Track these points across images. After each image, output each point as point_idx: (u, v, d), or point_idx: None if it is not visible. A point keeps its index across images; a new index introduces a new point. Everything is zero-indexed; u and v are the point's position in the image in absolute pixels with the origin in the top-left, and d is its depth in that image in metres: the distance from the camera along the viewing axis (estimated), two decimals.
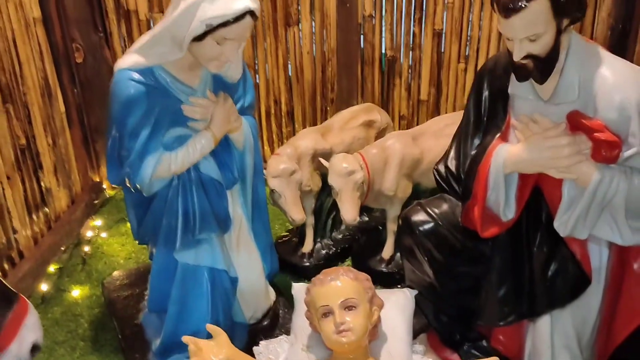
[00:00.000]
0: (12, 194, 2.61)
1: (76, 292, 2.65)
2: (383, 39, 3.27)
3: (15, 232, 2.62)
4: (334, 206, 2.67)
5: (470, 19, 3.14)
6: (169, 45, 1.78)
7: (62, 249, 2.91)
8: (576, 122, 1.71)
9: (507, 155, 1.83)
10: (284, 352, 2.03)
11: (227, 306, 2.18)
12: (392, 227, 2.62)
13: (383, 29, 3.24)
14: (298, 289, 2.13)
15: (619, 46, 2.97)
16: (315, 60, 3.32)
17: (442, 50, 3.24)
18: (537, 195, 1.91)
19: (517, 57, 1.66)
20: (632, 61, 2.91)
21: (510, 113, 1.88)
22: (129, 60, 1.85)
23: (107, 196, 3.38)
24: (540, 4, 1.55)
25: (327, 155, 2.57)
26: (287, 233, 2.92)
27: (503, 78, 1.86)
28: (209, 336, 1.77)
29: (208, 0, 1.64)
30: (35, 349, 1.57)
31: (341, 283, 1.86)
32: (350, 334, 1.80)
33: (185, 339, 1.72)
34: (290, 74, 3.37)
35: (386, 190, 2.50)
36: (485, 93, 1.95)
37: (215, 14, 1.65)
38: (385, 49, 3.29)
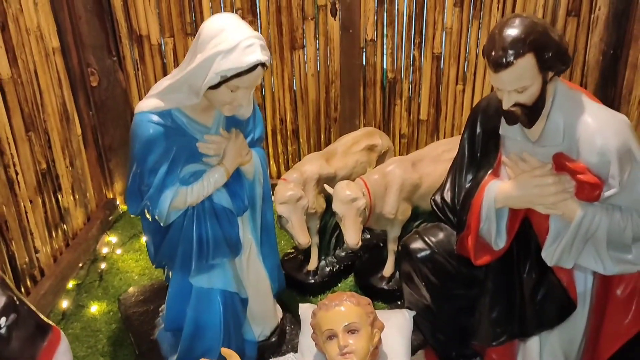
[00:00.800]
0: (34, 215, 2.76)
1: (94, 308, 2.80)
2: (384, 62, 3.41)
3: (37, 251, 2.78)
4: (338, 226, 2.82)
5: (467, 43, 3.28)
6: (185, 92, 1.93)
7: (80, 265, 3.07)
8: (561, 164, 1.86)
9: (498, 191, 1.97)
10: None
11: (238, 325, 2.34)
12: (392, 247, 2.77)
13: (384, 52, 3.39)
14: (304, 309, 2.29)
15: (611, 70, 3.11)
16: (320, 81, 3.47)
17: (441, 73, 3.38)
18: (527, 226, 2.06)
19: (505, 106, 1.81)
20: (622, 84, 3.08)
21: (502, 151, 2.02)
22: (148, 104, 2.00)
23: (121, 212, 3.55)
24: (527, 60, 1.69)
25: (332, 179, 2.72)
26: (293, 250, 3.07)
27: (495, 118, 2.01)
28: (221, 357, 1.92)
29: (223, 54, 1.79)
30: None
31: (345, 308, 2.01)
32: (353, 356, 1.95)
33: None
34: (295, 94, 3.52)
35: (387, 214, 2.65)
36: (479, 130, 2.09)
37: (229, 66, 1.80)
38: (387, 72, 3.44)
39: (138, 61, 3.46)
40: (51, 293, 2.80)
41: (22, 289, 2.68)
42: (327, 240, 2.95)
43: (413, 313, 2.27)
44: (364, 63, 3.44)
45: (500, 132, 1.98)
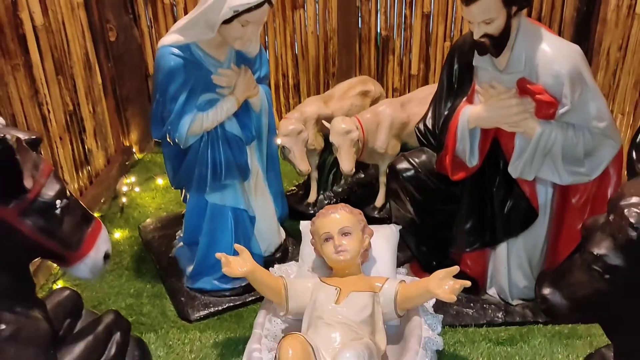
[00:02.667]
0: (63, 152, 3.09)
1: (117, 235, 3.13)
2: (378, 20, 3.72)
3: (66, 183, 3.10)
4: (335, 163, 3.16)
5: (454, 3, 3.59)
6: (202, 27, 2.25)
7: (102, 200, 3.40)
8: (523, 87, 2.19)
9: (471, 114, 2.30)
10: (294, 273, 2.53)
11: (247, 239, 2.67)
12: (383, 180, 3.11)
13: (378, 11, 3.69)
14: (305, 225, 2.62)
15: (584, 25, 3.43)
16: (319, 39, 3.78)
17: (430, 31, 3.69)
18: (496, 147, 2.39)
19: (476, 36, 2.13)
20: (594, 37, 3.39)
21: (475, 81, 2.35)
22: (170, 39, 2.32)
23: (137, 158, 3.88)
24: None
25: (329, 120, 3.04)
26: (295, 187, 3.41)
27: (469, 53, 2.33)
28: (235, 254, 2.26)
29: None
30: (106, 257, 2.06)
31: (339, 215, 2.35)
32: (346, 253, 2.29)
33: (218, 255, 2.22)
34: (296, 51, 3.83)
35: (378, 148, 2.98)
36: (456, 66, 2.41)
37: (241, 2, 2.11)
38: (380, 29, 3.75)
39: (152, 19, 3.77)
40: None
41: None
42: (325, 176, 3.28)
43: (399, 227, 2.60)
44: (359, 21, 3.74)
45: (473, 64, 2.31)
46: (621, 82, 3.17)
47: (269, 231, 2.80)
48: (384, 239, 2.54)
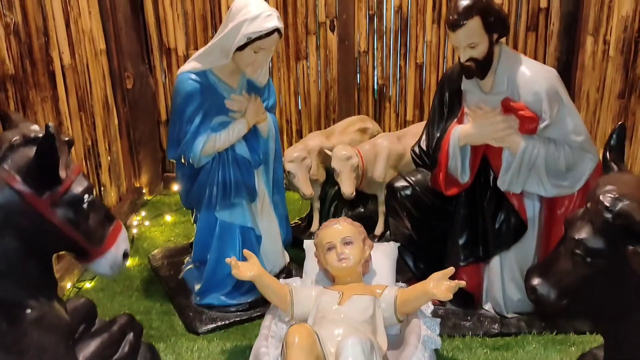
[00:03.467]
0: None
1: (127, 262, 3.26)
2: (375, 70, 4.03)
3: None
4: (336, 196, 3.35)
5: (445, 54, 3.91)
6: (217, 54, 2.51)
7: None
8: (507, 106, 2.42)
9: (461, 132, 2.53)
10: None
11: None
12: (382, 209, 3.28)
13: (375, 62, 4.01)
14: (308, 243, 2.78)
15: (565, 72, 3.72)
16: (320, 87, 4.07)
17: (424, 80, 3.99)
18: (486, 164, 2.60)
19: (463, 60, 2.39)
20: (574, 82, 3.68)
21: (464, 104, 2.59)
22: (188, 66, 2.58)
23: (146, 199, 4.06)
24: (475, 22, 2.29)
25: (330, 156, 3.26)
26: (298, 220, 3.58)
27: (458, 80, 2.59)
28: (244, 259, 2.41)
29: (249, 21, 2.38)
30: (125, 255, 2.21)
31: (341, 226, 2.53)
32: (348, 260, 2.44)
33: (228, 260, 2.37)
34: (299, 99, 4.11)
35: (377, 178, 3.18)
36: (446, 93, 2.66)
37: (254, 30, 2.38)
38: (377, 79, 4.05)
39: (166, 70, 4.08)
40: None
41: None
42: (327, 208, 3.45)
43: (398, 244, 2.76)
44: (358, 71, 4.05)
45: (462, 88, 2.56)
46: (601, 119, 3.42)
47: (274, 252, 2.95)
48: (384, 254, 2.69)
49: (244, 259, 2.47)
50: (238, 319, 2.74)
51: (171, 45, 4.01)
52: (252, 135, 2.76)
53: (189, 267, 3.01)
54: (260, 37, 2.42)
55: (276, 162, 2.93)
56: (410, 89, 4.02)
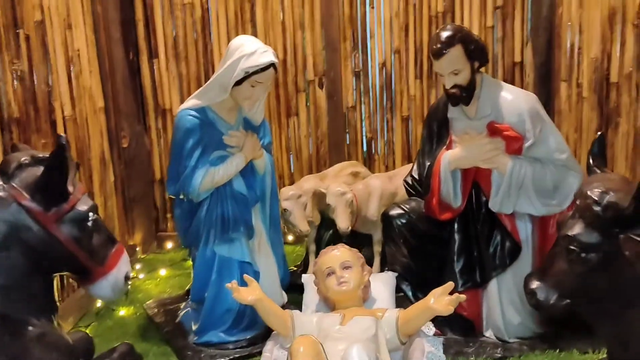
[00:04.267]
0: None
1: (122, 312, 3.22)
2: (363, 124, 4.20)
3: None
4: (331, 238, 3.38)
5: (429, 106, 4.09)
6: (217, 90, 2.64)
7: None
8: (493, 128, 2.55)
9: (450, 156, 2.64)
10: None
11: None
12: (377, 249, 3.32)
13: (363, 116, 4.19)
14: (306, 277, 2.80)
15: None
16: (311, 142, 4.21)
17: (410, 131, 4.15)
18: (477, 189, 2.68)
19: (447, 86, 2.54)
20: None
21: (451, 132, 2.72)
22: (188, 103, 2.71)
23: (140, 257, 4.05)
24: (457, 49, 2.46)
25: (324, 195, 3.33)
26: (295, 267, 3.58)
27: (444, 110, 2.73)
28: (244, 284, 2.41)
29: (246, 56, 2.53)
30: (127, 278, 2.22)
31: (339, 252, 2.57)
32: (348, 284, 2.46)
33: (228, 285, 2.37)
34: (291, 153, 4.23)
35: (371, 216, 3.24)
36: (434, 124, 2.80)
37: (251, 64, 2.53)
38: (365, 132, 4.21)
39: (161, 130, 4.21)
40: (86, 298, 3.24)
41: (66, 293, 3.14)
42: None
43: (395, 274, 2.78)
44: (347, 126, 4.21)
45: (448, 116, 2.69)
46: (582, 157, 3.56)
47: (272, 291, 2.93)
48: (382, 283, 2.71)
49: (245, 279, 2.49)
50: (237, 355, 2.70)
51: (166, 106, 4.16)
52: (248, 172, 2.85)
53: (186, 310, 2.98)
54: (256, 72, 2.56)
55: (272, 199, 3.00)
56: (398, 140, 4.17)
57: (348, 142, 4.20)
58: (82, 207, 2.05)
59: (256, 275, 2.84)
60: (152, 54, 4.09)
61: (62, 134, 3.16)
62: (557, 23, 3.70)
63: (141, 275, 3.68)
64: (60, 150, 1.91)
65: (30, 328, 1.92)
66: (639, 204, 1.78)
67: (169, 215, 4.27)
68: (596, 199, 1.91)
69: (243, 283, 2.76)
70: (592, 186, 1.96)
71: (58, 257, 2.02)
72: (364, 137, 4.22)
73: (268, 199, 2.96)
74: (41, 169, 1.98)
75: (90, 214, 2.07)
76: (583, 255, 1.94)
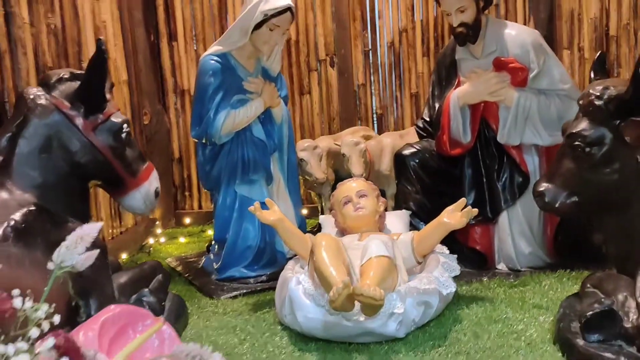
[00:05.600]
0: (102, 199, 3.43)
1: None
2: (373, 101, 4.36)
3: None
4: None
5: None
6: (237, 34, 2.82)
7: (130, 249, 3.64)
8: (498, 62, 2.70)
9: (459, 92, 2.79)
10: None
11: (272, 234, 2.91)
12: (390, 204, 3.42)
13: (372, 93, 4.35)
14: (323, 218, 2.92)
15: None
16: (323, 119, 4.37)
17: (419, 107, 4.31)
18: (486, 126, 2.82)
19: (455, 24, 2.70)
20: None
21: (459, 74, 2.87)
22: (210, 50, 2.89)
23: (159, 231, 4.17)
24: None
25: (338, 155, 3.47)
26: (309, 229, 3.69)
27: (451, 54, 2.90)
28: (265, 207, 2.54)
29: (265, 1, 2.72)
30: (157, 194, 2.35)
31: (355, 183, 2.69)
32: (364, 210, 2.57)
33: (251, 207, 2.50)
34: (304, 131, 4.38)
35: (384, 171, 3.37)
36: (442, 68, 2.96)
37: (270, 7, 2.71)
38: (376, 108, 4.37)
39: (179, 110, 4.38)
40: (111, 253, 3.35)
41: None
42: None
43: (409, 212, 2.89)
44: (358, 102, 4.38)
45: (456, 57, 2.85)
46: None
47: None
48: (396, 217, 2.82)
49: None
50: (259, 288, 2.78)
51: (185, 87, 4.35)
52: (267, 121, 3.00)
53: (210, 255, 3.09)
54: (275, 15, 2.74)
55: (290, 148, 3.14)
56: (407, 117, 4.32)
57: (359, 118, 4.35)
58: (117, 119, 2.20)
59: None
60: (172, 37, 4.30)
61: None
62: None
63: (162, 239, 3.79)
64: (101, 52, 2.07)
65: (69, 223, 2.04)
66: (637, 86, 1.91)
67: (187, 194, 4.41)
68: (598, 94, 2.04)
69: (263, 224, 2.90)
70: (594, 85, 2.10)
71: (94, 163, 2.15)
72: (374, 114, 4.37)
73: (285, 148, 3.10)
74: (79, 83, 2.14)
75: (124, 125, 2.21)
76: (587, 149, 2.05)
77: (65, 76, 2.16)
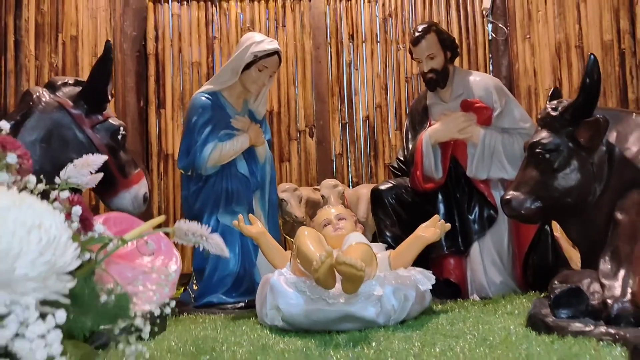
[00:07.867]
0: None
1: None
2: (349, 170, 4.59)
3: None
4: None
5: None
6: (228, 74, 3.07)
7: None
8: (465, 103, 2.98)
9: (430, 131, 3.03)
10: None
11: (251, 265, 2.97)
12: None
13: (349, 163, 4.59)
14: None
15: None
16: (302, 186, 4.54)
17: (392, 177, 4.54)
18: (456, 164, 3.03)
19: (425, 69, 3.00)
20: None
21: (430, 118, 3.13)
22: (203, 88, 3.12)
23: None
24: (431, 36, 2.98)
25: (317, 203, 3.62)
26: None
27: (422, 101, 3.18)
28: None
29: (255, 44, 3.00)
30: (145, 199, 2.43)
31: (334, 209, 2.81)
32: (343, 230, 2.67)
33: (235, 222, 2.58)
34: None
35: (360, 218, 3.50)
36: (415, 114, 3.22)
37: (260, 49, 2.99)
38: (352, 177, 4.59)
39: (162, 173, 4.54)
40: None
41: None
42: None
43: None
44: (334, 171, 4.60)
45: (427, 103, 3.13)
46: None
47: (268, 267, 3.09)
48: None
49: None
50: (238, 313, 2.78)
51: (169, 151, 4.54)
52: (251, 159, 3.17)
53: (184, 290, 3.10)
54: (263, 57, 3.01)
55: (271, 187, 3.28)
56: None
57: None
58: (115, 122, 2.36)
59: (255, 250, 3.03)
60: (160, 104, 4.57)
61: None
62: (515, 77, 4.32)
63: None
64: (108, 53, 2.26)
65: None
66: (586, 92, 2.16)
67: None
68: (553, 106, 2.29)
69: (243, 254, 3.00)
70: (548, 103, 2.35)
71: None
72: (351, 182, 4.58)
73: (268, 186, 3.24)
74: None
75: (121, 128, 2.36)
76: (547, 156, 2.26)
77: (70, 82, 2.34)
